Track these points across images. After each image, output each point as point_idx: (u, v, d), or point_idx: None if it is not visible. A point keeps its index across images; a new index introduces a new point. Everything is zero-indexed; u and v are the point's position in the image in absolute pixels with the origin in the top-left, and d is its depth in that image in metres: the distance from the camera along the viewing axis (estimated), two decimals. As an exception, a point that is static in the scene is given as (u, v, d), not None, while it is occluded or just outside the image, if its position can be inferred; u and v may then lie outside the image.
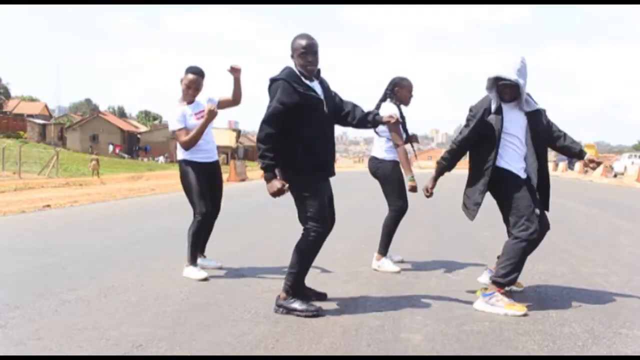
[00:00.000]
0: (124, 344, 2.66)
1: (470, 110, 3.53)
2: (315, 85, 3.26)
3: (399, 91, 4.46)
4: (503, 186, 3.41)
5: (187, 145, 4.10)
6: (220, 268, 4.36)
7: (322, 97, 3.24)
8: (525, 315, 3.20)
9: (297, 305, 3.16)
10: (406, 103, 4.52)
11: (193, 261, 4.11)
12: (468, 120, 3.52)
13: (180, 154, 4.20)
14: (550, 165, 16.24)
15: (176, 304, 3.37)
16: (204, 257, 4.39)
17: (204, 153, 4.21)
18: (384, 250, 4.41)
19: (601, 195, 13.61)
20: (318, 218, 3.17)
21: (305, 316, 3.11)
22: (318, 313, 3.14)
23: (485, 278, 3.81)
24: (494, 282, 3.36)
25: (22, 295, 3.51)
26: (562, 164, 33.73)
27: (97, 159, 27.08)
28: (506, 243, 3.38)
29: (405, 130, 4.50)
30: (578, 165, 29.94)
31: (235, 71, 4.14)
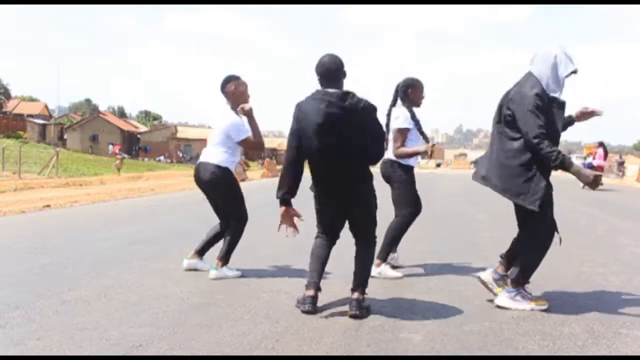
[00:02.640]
0: (124, 344, 2.66)
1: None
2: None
3: (412, 92, 4.29)
4: None
5: (262, 146, 4.45)
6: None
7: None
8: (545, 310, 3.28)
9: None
10: (418, 104, 4.37)
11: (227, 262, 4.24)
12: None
13: (226, 163, 4.18)
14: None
15: (176, 304, 3.37)
16: (201, 259, 4.37)
17: None
18: (384, 255, 4.26)
19: (601, 195, 13.60)
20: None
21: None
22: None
23: (487, 275, 3.75)
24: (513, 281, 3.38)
25: (22, 295, 3.51)
26: None
27: (121, 158, 29.48)
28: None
29: (422, 133, 4.33)
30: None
31: (245, 112, 4.12)
